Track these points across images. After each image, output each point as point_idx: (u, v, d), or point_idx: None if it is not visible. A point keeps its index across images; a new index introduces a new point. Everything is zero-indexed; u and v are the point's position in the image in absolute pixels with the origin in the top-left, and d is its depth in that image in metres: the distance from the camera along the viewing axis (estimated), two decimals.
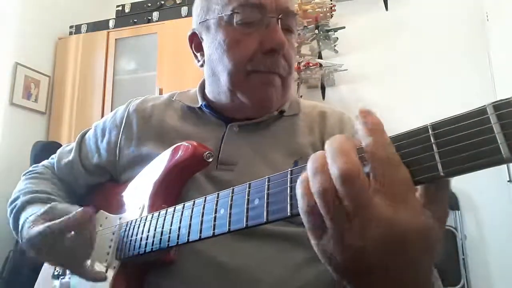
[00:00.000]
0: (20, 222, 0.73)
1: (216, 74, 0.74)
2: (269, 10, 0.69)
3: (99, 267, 0.69)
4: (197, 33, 0.79)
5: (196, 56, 0.81)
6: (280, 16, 0.69)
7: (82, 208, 0.65)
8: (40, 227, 0.65)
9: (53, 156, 0.93)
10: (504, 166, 2.11)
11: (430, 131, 0.32)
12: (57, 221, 0.64)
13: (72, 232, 0.64)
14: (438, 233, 0.34)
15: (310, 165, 0.35)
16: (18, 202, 0.78)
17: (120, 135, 0.82)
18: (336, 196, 0.33)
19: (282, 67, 0.70)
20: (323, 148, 0.79)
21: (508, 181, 2.10)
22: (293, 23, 0.74)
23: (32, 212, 0.73)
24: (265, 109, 0.75)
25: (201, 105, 0.79)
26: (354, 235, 0.32)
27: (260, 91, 0.71)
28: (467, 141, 0.30)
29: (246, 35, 0.69)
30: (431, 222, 0.33)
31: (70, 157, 0.87)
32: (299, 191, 0.35)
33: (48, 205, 0.70)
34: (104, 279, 0.66)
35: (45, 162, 0.93)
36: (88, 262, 0.67)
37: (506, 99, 0.28)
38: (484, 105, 0.29)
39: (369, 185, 0.32)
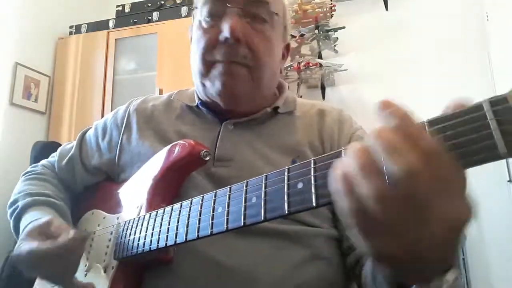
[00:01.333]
0: (21, 227, 0.73)
1: (192, 69, 0.77)
2: (230, 1, 0.70)
3: (96, 267, 0.69)
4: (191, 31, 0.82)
5: None
6: (241, 6, 0.70)
7: (73, 234, 0.64)
8: (28, 246, 0.64)
9: (53, 154, 0.93)
10: (504, 166, 2.11)
11: (426, 127, 0.32)
12: (44, 245, 0.63)
13: (60, 256, 0.63)
14: None
15: (356, 162, 0.32)
16: (19, 204, 0.78)
17: (121, 134, 0.82)
18: (394, 197, 0.30)
19: (241, 56, 0.70)
20: (322, 147, 0.77)
21: (508, 181, 2.09)
22: (260, 11, 0.72)
23: (31, 218, 0.72)
24: (232, 100, 0.74)
25: (198, 103, 0.79)
26: (415, 234, 0.31)
27: (219, 81, 0.71)
28: (463, 137, 0.30)
29: (210, 27, 0.72)
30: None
31: (70, 156, 0.87)
32: (341, 190, 0.33)
33: (45, 219, 0.69)
34: None
35: (44, 161, 0.92)
36: (76, 274, 0.67)
37: (502, 95, 0.28)
38: (480, 101, 0.29)
39: (429, 181, 0.30)
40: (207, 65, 0.72)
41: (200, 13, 0.74)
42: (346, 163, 0.33)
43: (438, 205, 0.30)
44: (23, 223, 0.74)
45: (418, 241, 0.32)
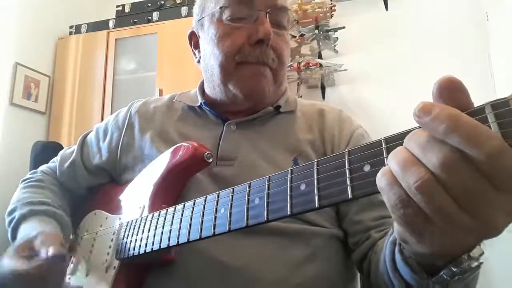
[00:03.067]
0: (17, 239, 0.71)
1: (209, 68, 0.77)
2: (257, 5, 0.72)
3: (98, 267, 0.69)
4: (195, 31, 0.83)
5: (194, 54, 0.85)
6: (268, 11, 0.72)
7: (54, 249, 0.60)
8: (12, 265, 0.61)
9: (53, 159, 0.92)
10: None
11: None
12: (25, 264, 0.60)
13: (39, 276, 0.60)
14: None
15: (394, 160, 0.31)
16: (16, 214, 0.76)
17: (122, 136, 0.83)
18: (439, 186, 0.29)
19: (270, 58, 0.73)
20: (323, 146, 0.78)
21: None
22: (283, 18, 0.76)
23: (26, 231, 0.71)
24: (256, 100, 0.76)
25: (201, 103, 0.80)
26: (463, 229, 0.30)
27: (249, 81, 0.73)
28: None
29: (235, 29, 0.73)
30: None
31: (72, 159, 0.86)
32: (385, 186, 0.32)
33: (34, 234, 0.65)
34: None
35: (44, 167, 0.91)
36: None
37: (504, 98, 0.28)
38: (482, 104, 0.29)
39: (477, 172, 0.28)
40: (234, 65, 0.73)
41: (221, 12, 0.74)
42: (398, 155, 0.32)
43: (491, 201, 0.29)
44: (20, 234, 0.72)
45: (465, 237, 0.32)
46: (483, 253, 0.35)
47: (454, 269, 0.36)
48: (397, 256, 0.45)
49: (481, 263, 0.36)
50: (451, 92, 0.31)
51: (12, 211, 0.79)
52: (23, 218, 0.75)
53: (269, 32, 0.71)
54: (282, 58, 0.75)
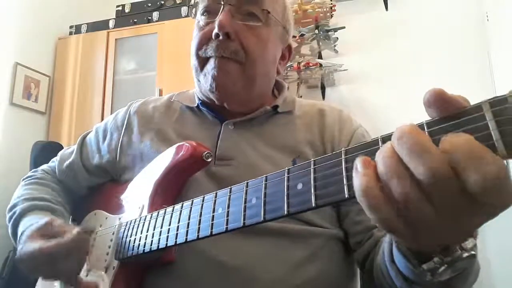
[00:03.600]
0: (19, 232, 0.73)
1: (191, 66, 0.78)
2: None
3: (97, 267, 0.69)
4: None
5: None
6: (230, 3, 0.71)
7: (77, 231, 0.64)
8: (32, 247, 0.64)
9: (53, 159, 0.93)
10: None
11: (425, 128, 0.32)
12: (50, 243, 0.63)
13: (67, 254, 0.63)
14: None
15: (382, 163, 0.31)
16: (17, 209, 0.78)
17: (121, 136, 0.83)
18: (422, 199, 0.30)
19: (231, 51, 0.71)
20: (323, 146, 0.78)
21: None
22: (254, 9, 0.73)
23: (30, 222, 0.72)
24: (223, 95, 0.74)
25: (198, 103, 0.80)
26: (442, 230, 0.31)
27: (211, 76, 0.72)
28: None
29: (206, 24, 0.74)
30: None
31: (71, 159, 0.87)
32: (368, 200, 0.31)
33: (45, 220, 0.69)
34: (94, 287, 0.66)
35: (44, 166, 0.92)
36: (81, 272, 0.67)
37: (502, 96, 0.28)
38: (480, 102, 0.29)
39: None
40: (202, 61, 0.74)
41: (198, 10, 0.76)
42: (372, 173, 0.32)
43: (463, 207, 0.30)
44: (21, 227, 0.73)
45: (444, 237, 0.33)
46: (475, 245, 0.36)
47: (445, 258, 0.36)
48: (394, 247, 0.45)
49: (473, 254, 0.36)
50: (438, 107, 0.31)
51: (13, 206, 0.80)
52: (25, 212, 0.76)
53: (222, 24, 0.69)
54: (249, 51, 0.71)
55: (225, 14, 0.70)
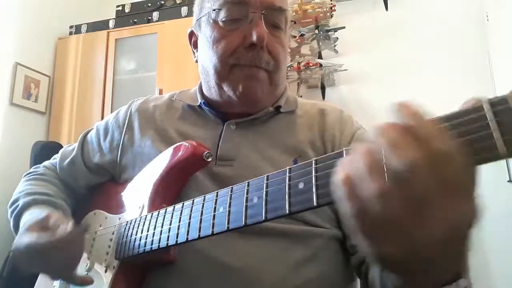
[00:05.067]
0: (20, 225, 0.74)
1: (205, 69, 0.77)
2: (252, 6, 0.71)
3: (97, 267, 0.69)
4: (194, 30, 0.82)
5: (194, 53, 0.84)
6: (263, 12, 0.71)
7: (71, 227, 0.64)
8: (28, 239, 0.65)
9: (55, 156, 0.93)
10: (504, 166, 2.11)
11: None
12: (47, 237, 0.63)
13: (60, 249, 0.63)
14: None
15: (357, 163, 0.32)
16: (19, 203, 0.78)
17: (122, 135, 0.83)
18: (394, 195, 0.30)
19: (265, 61, 0.72)
20: (323, 147, 0.78)
21: (508, 181, 2.09)
22: (280, 19, 0.74)
23: (31, 216, 0.73)
24: (250, 103, 0.75)
25: (200, 103, 0.80)
26: (414, 234, 0.31)
27: (242, 84, 0.72)
28: (463, 138, 0.30)
29: (230, 31, 0.72)
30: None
31: (72, 157, 0.87)
32: (343, 192, 0.33)
33: (45, 213, 0.69)
34: (90, 282, 0.67)
35: (46, 162, 0.93)
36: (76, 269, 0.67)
37: (502, 96, 0.28)
38: (481, 102, 0.29)
39: (430, 180, 0.29)
40: (228, 68, 0.72)
41: (216, 14, 0.73)
42: (347, 165, 0.34)
43: (439, 205, 0.30)
44: (22, 220, 0.74)
45: (417, 242, 0.31)
46: (470, 285, 0.37)
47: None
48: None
49: None
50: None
51: (15, 201, 0.80)
52: (27, 206, 0.77)
53: (262, 35, 0.69)
54: (278, 60, 0.74)
55: (261, 24, 0.70)
